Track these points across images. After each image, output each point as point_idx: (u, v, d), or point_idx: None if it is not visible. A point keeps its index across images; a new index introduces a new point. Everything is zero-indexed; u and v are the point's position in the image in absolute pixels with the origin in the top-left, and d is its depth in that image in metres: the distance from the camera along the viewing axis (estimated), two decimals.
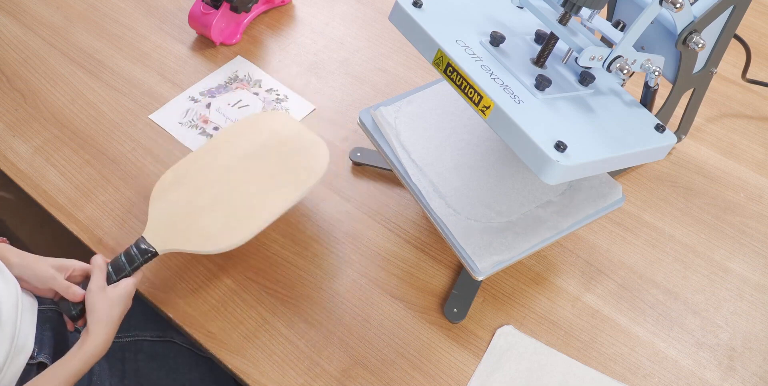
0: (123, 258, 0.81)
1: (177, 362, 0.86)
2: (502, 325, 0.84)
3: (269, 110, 0.97)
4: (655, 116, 0.77)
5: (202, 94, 1.07)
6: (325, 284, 0.88)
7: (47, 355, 0.78)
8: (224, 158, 0.90)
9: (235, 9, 1.10)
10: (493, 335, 0.84)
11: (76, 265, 0.80)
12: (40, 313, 0.81)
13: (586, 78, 0.71)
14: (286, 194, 0.85)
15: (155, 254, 0.82)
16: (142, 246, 0.82)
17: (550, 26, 0.68)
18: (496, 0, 0.78)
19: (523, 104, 0.65)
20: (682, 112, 0.96)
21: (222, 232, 0.83)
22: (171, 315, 0.84)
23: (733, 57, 1.11)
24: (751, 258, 0.92)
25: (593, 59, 0.67)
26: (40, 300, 0.82)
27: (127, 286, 0.78)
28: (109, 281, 0.80)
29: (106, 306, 0.76)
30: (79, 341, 0.74)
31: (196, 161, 0.90)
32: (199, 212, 0.85)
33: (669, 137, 0.72)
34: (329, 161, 0.88)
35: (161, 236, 0.84)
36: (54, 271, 0.78)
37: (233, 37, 1.14)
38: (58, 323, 0.83)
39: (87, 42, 1.13)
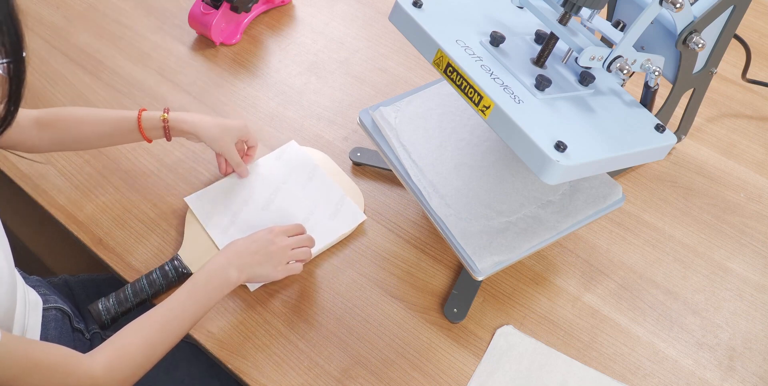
0: (158, 273, 0.84)
1: (176, 357, 0.86)
2: (502, 325, 0.84)
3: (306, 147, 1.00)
4: (655, 116, 0.77)
5: None
6: (325, 284, 0.88)
7: None
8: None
9: (235, 9, 1.10)
10: (493, 335, 0.84)
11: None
12: (44, 312, 0.81)
13: (586, 78, 0.71)
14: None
15: (190, 275, 0.84)
16: (178, 266, 0.85)
17: (550, 26, 0.68)
18: (496, 0, 0.78)
19: (523, 104, 0.65)
20: (682, 112, 0.96)
21: None
22: None
23: (733, 57, 1.12)
24: (751, 258, 0.92)
25: (593, 59, 0.67)
26: (44, 300, 0.82)
27: None
28: (126, 302, 0.81)
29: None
30: None
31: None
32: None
33: (669, 137, 0.72)
34: (364, 213, 0.92)
35: (197, 258, 0.86)
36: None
37: (233, 37, 1.14)
38: (62, 322, 0.83)
39: (87, 42, 1.13)
